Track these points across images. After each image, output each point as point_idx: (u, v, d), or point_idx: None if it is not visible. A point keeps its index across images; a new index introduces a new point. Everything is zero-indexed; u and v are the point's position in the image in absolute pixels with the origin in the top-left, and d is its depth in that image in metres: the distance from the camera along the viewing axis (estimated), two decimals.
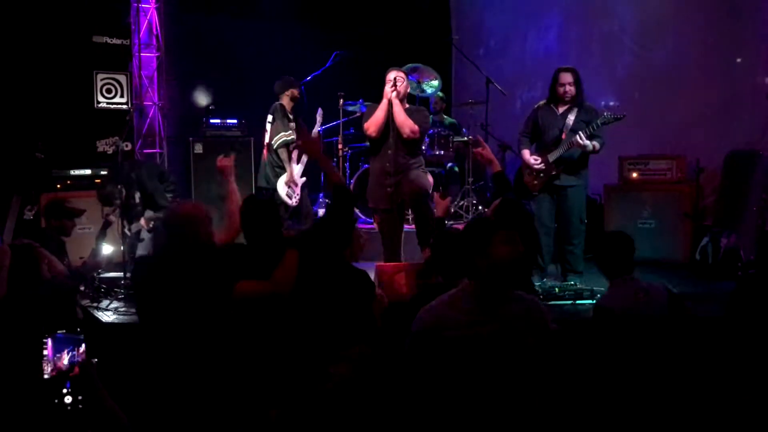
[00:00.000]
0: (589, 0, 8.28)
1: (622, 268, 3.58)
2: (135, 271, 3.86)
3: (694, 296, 4.96)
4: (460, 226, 6.85)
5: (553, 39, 8.60)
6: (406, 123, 5.06)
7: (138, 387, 3.26)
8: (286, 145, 6.35)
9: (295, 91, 6.52)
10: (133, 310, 5.15)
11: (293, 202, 6.43)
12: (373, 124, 5.14)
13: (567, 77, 5.52)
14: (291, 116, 6.47)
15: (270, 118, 6.44)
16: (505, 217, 3.73)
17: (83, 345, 2.28)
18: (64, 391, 2.15)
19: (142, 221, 5.85)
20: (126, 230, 5.66)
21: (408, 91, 5.31)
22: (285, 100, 6.47)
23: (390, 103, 5.08)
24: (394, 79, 5.12)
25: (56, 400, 2.14)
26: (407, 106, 5.26)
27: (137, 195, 5.76)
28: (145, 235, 5.89)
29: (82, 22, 7.39)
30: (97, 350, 2.69)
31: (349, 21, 8.85)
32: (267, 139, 6.45)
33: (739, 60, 6.89)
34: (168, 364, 3.24)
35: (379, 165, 5.24)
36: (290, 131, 6.35)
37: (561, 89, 5.53)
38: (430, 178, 5.67)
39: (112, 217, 5.47)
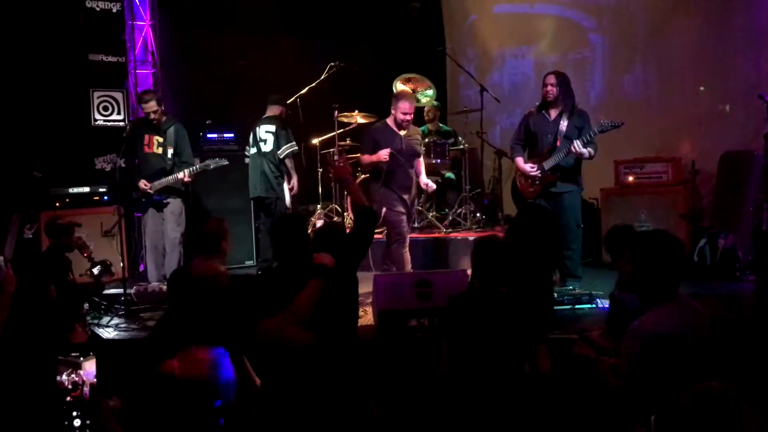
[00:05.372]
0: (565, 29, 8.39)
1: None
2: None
3: (692, 297, 4.96)
4: (460, 234, 6.90)
5: (529, 66, 8.68)
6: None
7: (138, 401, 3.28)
8: (294, 155, 6.57)
9: (283, 111, 6.74)
10: (134, 326, 5.20)
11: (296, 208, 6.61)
12: None
13: (550, 78, 5.64)
14: None
15: (272, 128, 6.55)
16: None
17: (88, 368, 2.31)
18: (74, 413, 2.19)
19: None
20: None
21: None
22: (276, 112, 6.63)
23: None
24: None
25: (66, 423, 2.17)
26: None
27: None
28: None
29: (78, 41, 7.43)
30: (98, 367, 2.72)
31: (343, 32, 8.90)
32: (267, 149, 6.55)
33: (731, 61, 6.94)
34: None
35: None
36: (293, 142, 6.58)
37: (544, 89, 5.65)
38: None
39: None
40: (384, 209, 5.59)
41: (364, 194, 4.23)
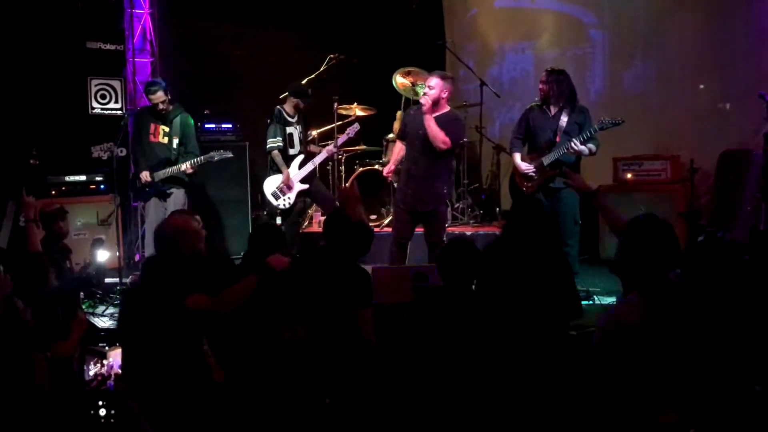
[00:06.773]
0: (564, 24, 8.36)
1: None
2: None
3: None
4: (458, 229, 6.89)
5: (529, 61, 8.64)
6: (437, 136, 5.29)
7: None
8: (277, 149, 6.42)
9: (294, 101, 6.54)
10: None
11: (279, 203, 6.47)
12: None
13: (543, 77, 5.65)
14: (294, 119, 6.53)
15: (269, 121, 6.51)
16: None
17: (112, 359, 2.30)
18: (100, 403, 2.18)
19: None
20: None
21: (444, 95, 5.40)
22: (287, 105, 6.53)
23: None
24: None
25: (92, 412, 2.17)
26: (446, 109, 5.44)
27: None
28: None
29: (76, 28, 7.38)
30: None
31: (343, 24, 8.86)
32: None
33: (732, 59, 6.93)
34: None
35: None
36: (279, 137, 6.40)
37: (539, 87, 5.66)
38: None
39: (103, 237, 5.49)
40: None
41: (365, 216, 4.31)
